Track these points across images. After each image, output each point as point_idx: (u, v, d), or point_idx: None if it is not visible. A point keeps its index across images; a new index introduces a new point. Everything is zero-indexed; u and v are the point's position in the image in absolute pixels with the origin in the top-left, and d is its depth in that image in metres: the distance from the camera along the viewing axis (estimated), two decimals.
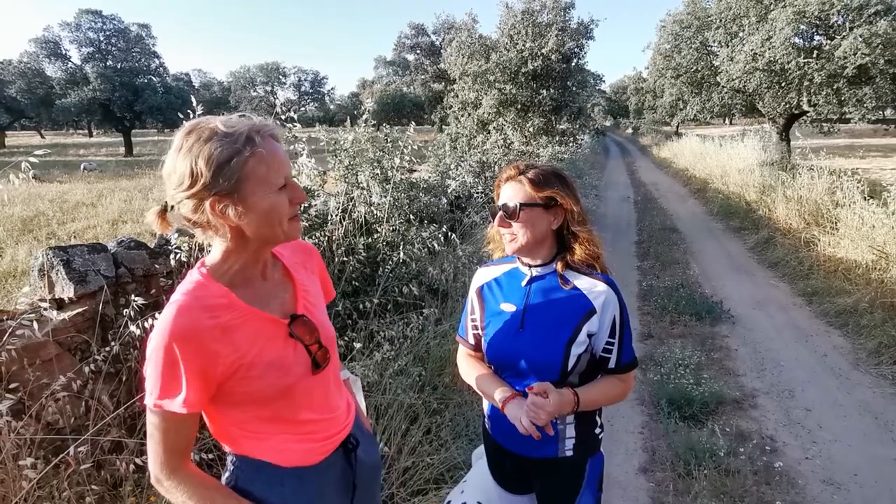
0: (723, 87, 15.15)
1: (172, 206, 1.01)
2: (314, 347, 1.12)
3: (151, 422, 0.99)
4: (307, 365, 1.10)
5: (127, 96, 33.10)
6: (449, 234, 4.11)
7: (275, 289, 1.12)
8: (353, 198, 3.79)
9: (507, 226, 1.38)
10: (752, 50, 12.48)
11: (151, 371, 0.96)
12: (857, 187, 6.95)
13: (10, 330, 1.91)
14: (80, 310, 2.25)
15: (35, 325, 1.94)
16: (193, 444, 1.03)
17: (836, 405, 3.49)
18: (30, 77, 34.90)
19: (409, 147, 4.18)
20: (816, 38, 12.45)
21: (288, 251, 1.20)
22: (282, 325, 1.08)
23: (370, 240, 3.68)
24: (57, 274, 2.30)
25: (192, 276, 1.03)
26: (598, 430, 1.48)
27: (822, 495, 2.66)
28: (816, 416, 3.37)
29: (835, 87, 11.85)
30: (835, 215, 6.88)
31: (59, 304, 2.27)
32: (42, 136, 48.27)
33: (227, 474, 1.13)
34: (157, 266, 2.61)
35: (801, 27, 11.67)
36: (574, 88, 14.15)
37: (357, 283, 3.42)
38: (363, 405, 1.42)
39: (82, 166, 19.86)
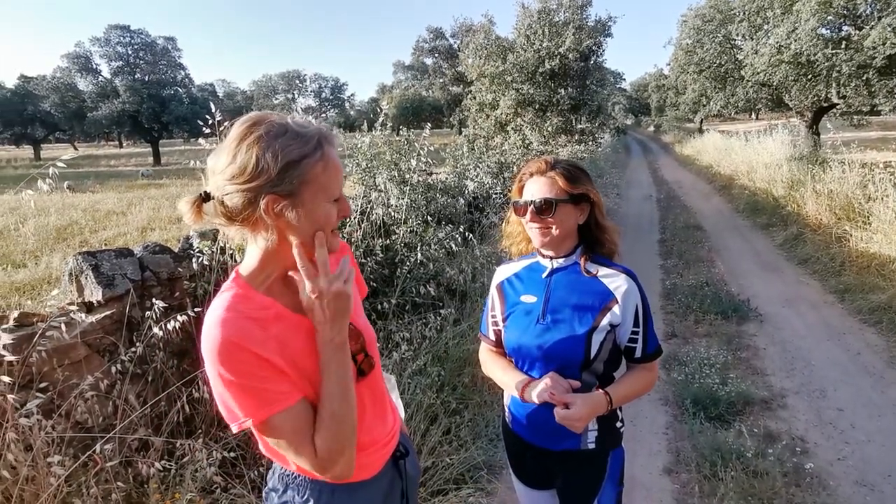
0: (747, 81, 14.80)
1: (213, 198, 0.93)
2: (360, 357, 1.08)
3: (274, 438, 0.92)
4: (353, 373, 1.05)
5: (154, 108, 34.19)
6: (467, 234, 4.11)
7: None
8: (370, 200, 3.83)
9: (538, 221, 1.39)
10: (777, 42, 12.17)
11: (231, 394, 0.89)
12: (890, 180, 6.70)
13: (40, 332, 1.98)
14: (107, 312, 2.32)
15: (63, 327, 2.01)
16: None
17: (870, 404, 3.37)
18: (63, 91, 36.30)
19: (426, 149, 4.20)
20: (844, 28, 12.08)
21: None
22: None
23: (388, 241, 3.71)
24: (86, 278, 2.37)
25: (229, 289, 0.96)
26: (619, 424, 1.48)
27: (855, 497, 2.57)
28: (849, 416, 3.25)
29: (864, 78, 11.48)
30: (867, 209, 6.65)
31: (89, 308, 2.34)
32: (76, 149, 49.91)
33: (275, 484, 1.10)
34: (180, 269, 2.68)
35: (828, 18, 11.33)
36: (593, 87, 14.01)
37: (375, 284, 3.44)
38: (400, 404, 1.39)
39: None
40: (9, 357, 1.87)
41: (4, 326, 2.04)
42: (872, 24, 10.76)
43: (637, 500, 2.60)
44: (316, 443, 0.93)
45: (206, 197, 0.94)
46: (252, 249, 0.99)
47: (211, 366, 0.90)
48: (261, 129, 0.90)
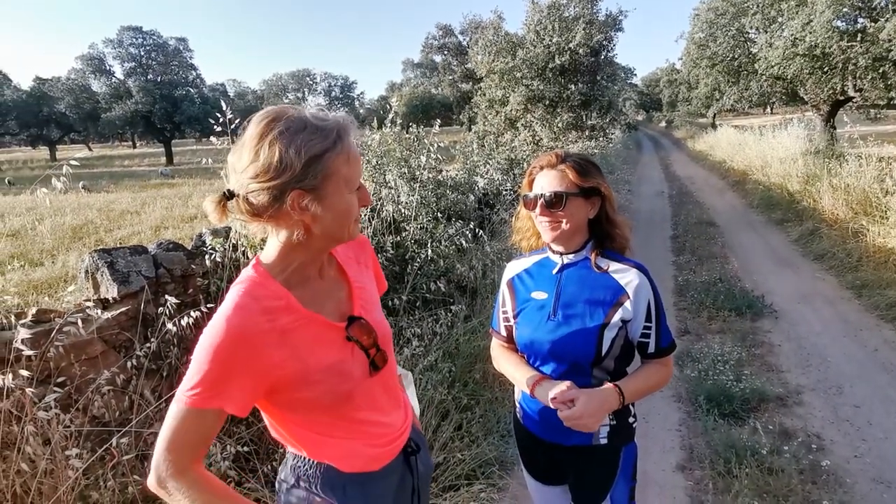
0: (761, 74, 14.60)
1: (236, 195, 0.94)
2: (372, 351, 1.09)
3: (177, 414, 0.91)
4: (365, 368, 1.07)
5: (167, 108, 34.55)
6: (477, 231, 4.11)
7: (331, 287, 1.09)
8: (380, 197, 3.83)
9: (548, 215, 1.37)
10: (791, 35, 11.99)
11: (197, 364, 0.90)
12: None
13: (57, 327, 2.01)
14: (123, 309, 2.34)
15: (80, 323, 2.04)
16: (208, 449, 0.98)
17: (888, 401, 3.32)
18: (77, 93, 36.81)
19: (436, 146, 4.20)
20: (860, 20, 11.86)
21: (342, 246, 1.15)
22: (339, 329, 1.05)
23: (398, 238, 3.71)
24: (102, 275, 2.41)
25: (248, 275, 0.99)
26: (631, 420, 1.47)
27: (872, 494, 2.53)
28: (866, 413, 3.20)
29: (881, 71, 11.27)
30: (884, 204, 6.53)
31: (104, 304, 2.37)
32: (90, 149, 50.56)
33: (286, 475, 1.11)
34: (193, 266, 2.70)
35: (843, 10, 11.12)
36: (603, 82, 13.87)
37: (386, 281, 3.46)
38: (415, 401, 1.40)
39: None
40: (27, 352, 1.90)
41: (23, 322, 2.07)
42: (887, 16, 10.55)
43: (650, 496, 2.59)
44: (191, 471, 0.93)
45: (229, 195, 0.94)
46: (273, 241, 1.00)
47: (207, 333, 0.92)
48: (281, 125, 0.90)
